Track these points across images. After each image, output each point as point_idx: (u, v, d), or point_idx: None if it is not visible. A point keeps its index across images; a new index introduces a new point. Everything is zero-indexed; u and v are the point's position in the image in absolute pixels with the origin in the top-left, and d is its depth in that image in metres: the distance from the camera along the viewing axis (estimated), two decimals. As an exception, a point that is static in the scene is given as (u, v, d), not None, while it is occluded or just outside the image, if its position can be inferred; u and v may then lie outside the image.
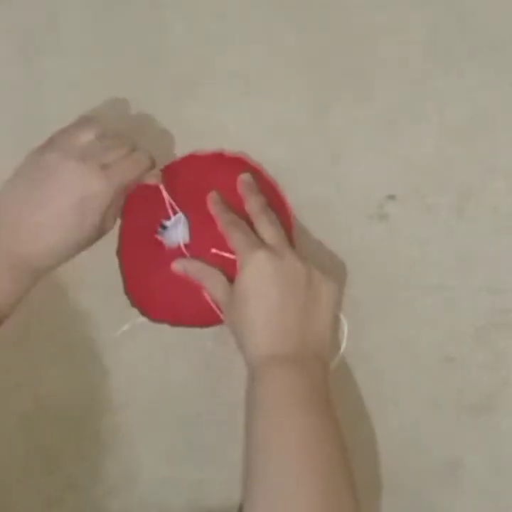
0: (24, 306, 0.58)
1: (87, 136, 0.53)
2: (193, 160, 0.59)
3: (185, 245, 0.57)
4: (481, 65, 0.57)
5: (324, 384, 0.52)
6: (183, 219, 0.57)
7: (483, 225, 0.58)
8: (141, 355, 0.61)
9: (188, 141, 0.60)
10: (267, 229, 0.56)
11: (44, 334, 0.58)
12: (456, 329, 0.59)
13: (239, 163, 0.59)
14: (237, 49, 0.60)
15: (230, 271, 0.55)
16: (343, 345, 0.57)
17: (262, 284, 0.53)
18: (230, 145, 0.60)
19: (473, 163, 0.58)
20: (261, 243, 0.55)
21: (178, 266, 0.57)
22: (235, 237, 0.55)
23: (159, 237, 0.58)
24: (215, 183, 0.58)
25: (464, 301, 0.58)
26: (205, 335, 0.59)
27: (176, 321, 0.59)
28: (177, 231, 0.57)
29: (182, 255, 0.57)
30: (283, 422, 0.50)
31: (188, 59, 0.61)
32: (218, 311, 0.57)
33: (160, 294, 0.58)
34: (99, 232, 0.53)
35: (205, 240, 0.57)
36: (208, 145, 0.60)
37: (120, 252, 0.59)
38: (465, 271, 0.58)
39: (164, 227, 0.58)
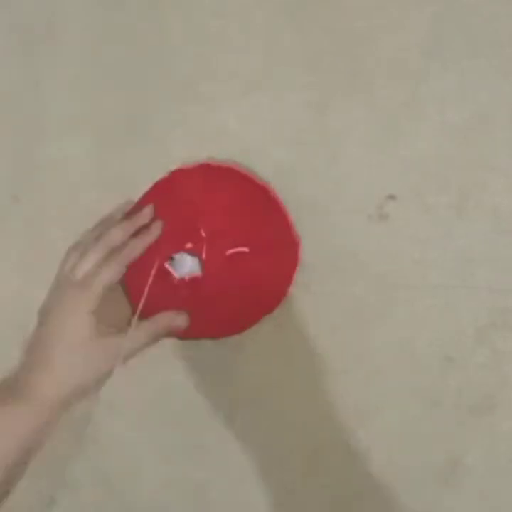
0: (23, 306, 0.59)
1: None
2: (181, 175, 0.59)
3: (195, 279, 0.58)
4: (481, 64, 0.57)
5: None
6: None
7: (483, 225, 0.58)
8: (141, 356, 0.61)
9: (188, 141, 0.60)
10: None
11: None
12: (456, 329, 0.59)
13: (227, 173, 0.58)
14: (237, 49, 0.60)
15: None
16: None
17: None
18: (230, 145, 0.60)
19: (474, 162, 0.58)
20: None
21: None
22: None
23: (168, 267, 0.58)
24: (209, 201, 0.58)
25: (464, 301, 0.58)
26: (205, 335, 0.59)
27: (184, 336, 0.59)
28: (185, 264, 0.58)
29: (190, 287, 0.58)
30: None
31: (188, 59, 0.61)
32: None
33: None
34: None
35: (215, 277, 0.58)
36: (208, 145, 0.60)
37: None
38: (465, 271, 0.58)
39: (172, 258, 0.58)
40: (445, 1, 0.57)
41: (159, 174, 0.60)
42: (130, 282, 0.58)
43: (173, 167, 0.59)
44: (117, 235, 0.56)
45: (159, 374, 0.61)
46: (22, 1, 0.62)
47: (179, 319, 0.56)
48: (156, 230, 0.57)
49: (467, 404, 0.59)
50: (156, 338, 0.55)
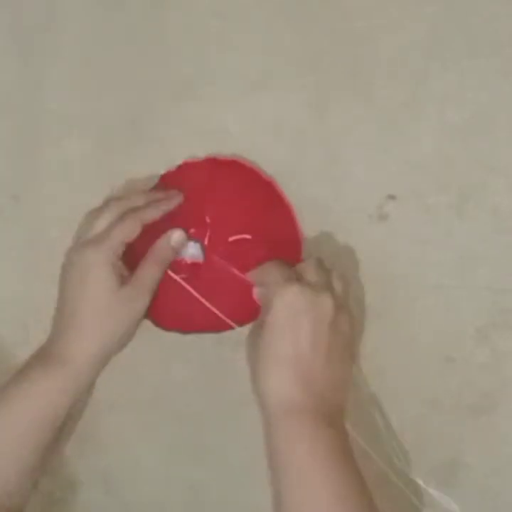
0: (23, 306, 0.58)
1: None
2: (187, 168, 0.59)
3: (197, 264, 0.58)
4: (481, 64, 0.57)
5: (346, 437, 0.50)
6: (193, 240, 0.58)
7: (483, 225, 0.58)
8: (141, 355, 0.61)
9: (188, 141, 0.60)
10: (309, 268, 0.53)
11: (44, 334, 0.58)
12: (456, 329, 0.59)
13: (234, 167, 0.59)
14: (237, 49, 0.60)
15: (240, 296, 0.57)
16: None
17: (293, 319, 0.49)
18: (230, 145, 0.60)
19: (473, 163, 0.58)
20: (296, 278, 0.52)
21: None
22: (268, 268, 0.54)
23: None
24: (214, 192, 0.58)
25: (464, 301, 0.58)
26: (205, 335, 0.59)
27: (186, 329, 0.59)
28: (187, 249, 0.58)
29: (192, 273, 0.58)
30: (308, 480, 0.47)
31: (188, 59, 0.61)
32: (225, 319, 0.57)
33: (170, 305, 0.58)
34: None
35: (216, 264, 0.58)
36: (208, 145, 0.60)
37: None
38: (465, 271, 0.58)
39: None
40: (445, 1, 0.57)
41: (159, 174, 0.60)
42: (131, 265, 0.57)
43: (176, 164, 0.60)
44: (137, 199, 0.56)
45: (159, 373, 0.61)
46: (22, 1, 0.62)
47: (175, 235, 0.56)
48: (176, 199, 0.57)
49: (467, 404, 0.59)
50: (165, 263, 0.56)
